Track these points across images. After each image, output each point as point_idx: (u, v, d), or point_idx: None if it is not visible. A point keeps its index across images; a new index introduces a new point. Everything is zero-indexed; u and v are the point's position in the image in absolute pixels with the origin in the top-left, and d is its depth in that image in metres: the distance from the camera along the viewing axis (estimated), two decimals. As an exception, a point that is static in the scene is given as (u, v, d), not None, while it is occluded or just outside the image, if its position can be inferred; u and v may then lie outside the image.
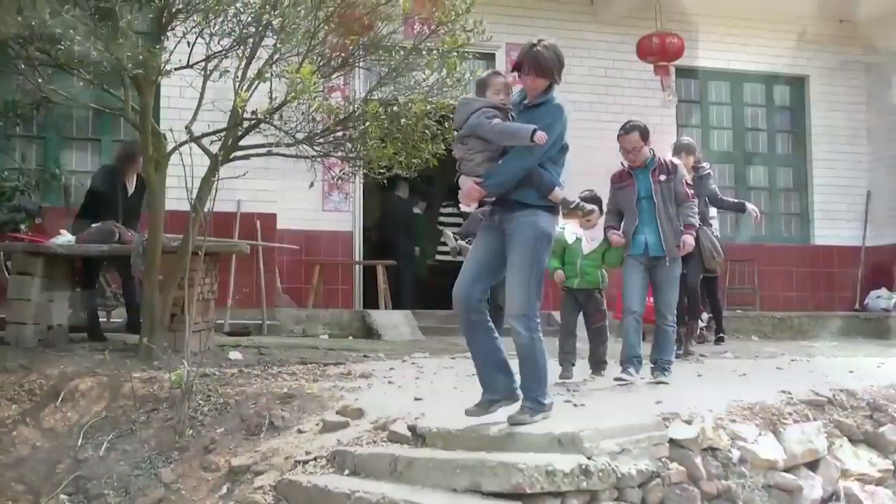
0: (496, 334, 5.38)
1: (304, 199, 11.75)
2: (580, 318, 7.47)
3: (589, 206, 6.09)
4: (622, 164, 7.46)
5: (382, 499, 4.65)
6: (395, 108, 7.94)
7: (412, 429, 5.50)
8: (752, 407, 5.74)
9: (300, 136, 8.01)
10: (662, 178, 7.32)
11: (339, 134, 8.30)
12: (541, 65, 5.34)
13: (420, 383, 7.01)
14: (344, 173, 8.93)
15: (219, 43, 7.70)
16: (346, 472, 5.29)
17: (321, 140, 8.26)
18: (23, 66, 7.82)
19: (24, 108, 9.00)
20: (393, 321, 11.69)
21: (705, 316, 11.18)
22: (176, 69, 7.72)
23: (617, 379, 6.95)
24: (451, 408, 5.57)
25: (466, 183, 5.35)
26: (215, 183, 7.60)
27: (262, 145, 8.11)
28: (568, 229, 7.31)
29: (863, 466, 5.89)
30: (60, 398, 6.74)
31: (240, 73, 7.59)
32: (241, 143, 8.08)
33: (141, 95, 7.77)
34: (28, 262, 8.59)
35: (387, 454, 5.19)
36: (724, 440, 5.34)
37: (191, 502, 5.62)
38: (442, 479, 4.78)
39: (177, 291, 8.00)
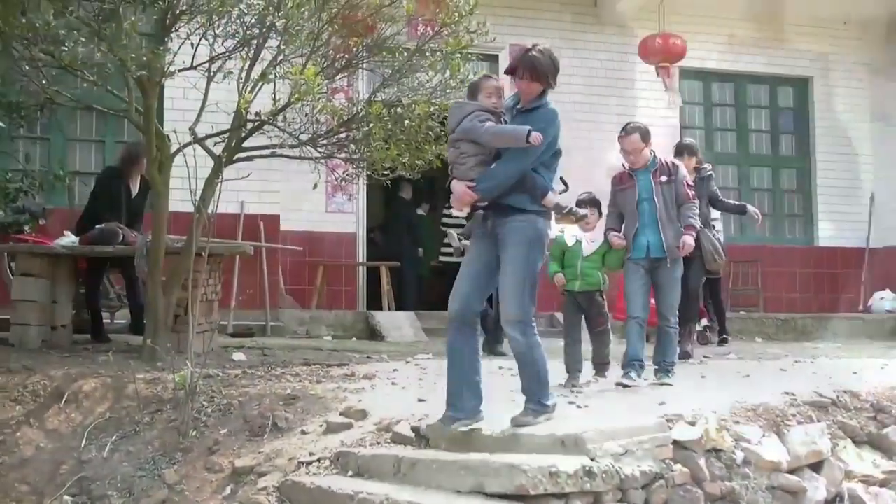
0: (480, 355, 5.38)
1: (308, 200, 11.79)
2: (583, 322, 7.44)
3: (582, 211, 6.04)
4: (623, 165, 7.45)
5: (386, 500, 4.65)
6: (399, 109, 7.95)
7: (416, 430, 5.50)
8: (756, 408, 5.73)
9: (304, 137, 8.02)
10: (663, 179, 7.29)
11: (343, 135, 8.31)
12: (536, 69, 5.33)
13: (423, 384, 7.00)
14: (347, 175, 8.94)
15: (223, 44, 7.71)
16: (350, 473, 5.29)
17: (325, 141, 8.27)
18: (27, 68, 7.82)
19: (28, 109, 9.00)
20: (396, 322, 11.69)
21: (704, 321, 11.19)
22: (180, 71, 7.73)
23: (619, 384, 6.93)
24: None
25: (459, 187, 5.32)
26: (219, 184, 7.59)
27: (266, 146, 8.12)
28: (567, 232, 7.29)
29: (866, 468, 5.88)
30: (64, 399, 6.74)
31: (243, 75, 7.59)
32: (245, 144, 8.09)
33: (145, 97, 7.78)
34: (32, 263, 8.61)
35: (390, 455, 5.20)
36: (728, 441, 5.34)
37: (194, 503, 5.62)
38: (445, 480, 4.79)
39: (180, 292, 8.00)
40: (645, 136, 7.27)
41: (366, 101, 8.29)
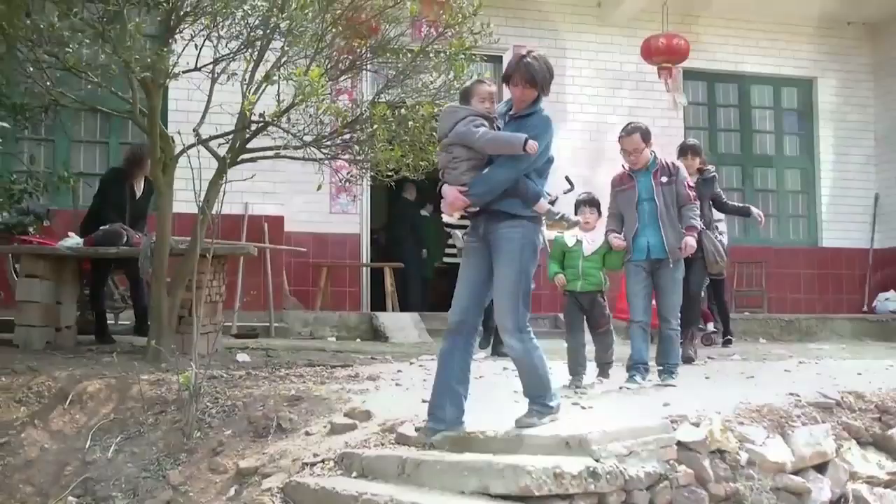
0: (471, 369, 5.36)
1: (312, 201, 11.80)
2: (585, 324, 7.41)
3: (574, 218, 6.00)
4: (623, 166, 7.44)
5: (390, 501, 4.65)
6: (403, 110, 7.95)
7: (420, 431, 5.50)
8: (760, 409, 5.72)
9: (308, 138, 8.02)
10: (664, 179, 7.26)
11: (347, 136, 8.31)
12: (532, 75, 5.29)
13: (427, 385, 6.96)
14: (351, 176, 8.94)
15: (226, 46, 7.72)
16: (354, 474, 5.29)
17: (329, 143, 8.27)
18: (31, 69, 7.84)
19: (32, 110, 8.99)
20: (400, 323, 11.70)
21: (710, 326, 11.18)
22: (184, 72, 7.73)
23: (623, 386, 6.91)
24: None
25: (451, 192, 5.29)
26: (223, 185, 7.61)
27: (270, 148, 8.12)
28: (567, 232, 7.27)
29: (871, 469, 5.87)
30: (69, 400, 6.74)
31: (247, 76, 7.60)
32: (249, 145, 8.10)
33: (149, 98, 7.79)
34: (36, 264, 8.62)
35: (395, 456, 5.19)
36: (732, 442, 5.33)
37: (199, 504, 5.63)
38: (450, 481, 4.78)
39: (185, 294, 8.02)
40: (645, 136, 7.25)
41: (370, 103, 8.31)
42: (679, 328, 7.34)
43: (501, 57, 13.40)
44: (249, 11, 7.50)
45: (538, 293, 10.33)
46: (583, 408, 5.96)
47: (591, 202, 7.28)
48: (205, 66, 7.84)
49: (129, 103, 7.93)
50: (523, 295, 5.21)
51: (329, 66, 8.04)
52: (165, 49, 7.36)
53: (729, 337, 10.97)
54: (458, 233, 8.98)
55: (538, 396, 5.29)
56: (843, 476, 5.70)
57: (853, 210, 15.36)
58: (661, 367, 7.19)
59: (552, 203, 9.56)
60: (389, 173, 8.15)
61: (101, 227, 8.86)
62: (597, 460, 4.71)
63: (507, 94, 5.61)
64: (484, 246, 5.31)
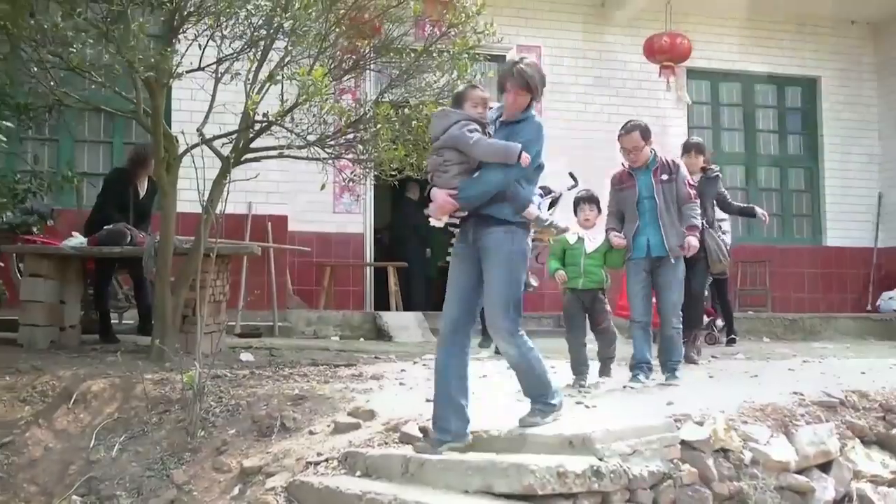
0: (468, 381, 5.32)
1: (316, 201, 11.79)
2: (587, 322, 7.38)
3: (562, 226, 5.96)
4: (623, 164, 7.41)
5: (394, 500, 4.65)
6: (407, 110, 7.96)
7: (424, 430, 5.50)
8: (764, 408, 5.72)
9: (311, 138, 8.02)
10: (664, 177, 7.23)
11: (351, 136, 8.32)
12: (526, 81, 5.24)
13: (431, 385, 6.95)
14: (355, 175, 8.95)
15: (230, 45, 7.73)
16: (358, 473, 5.29)
17: (332, 142, 8.27)
18: (35, 69, 7.85)
19: (36, 110, 9.01)
20: (404, 323, 11.70)
21: (719, 322, 11.16)
22: (187, 72, 7.74)
23: (627, 386, 6.90)
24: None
25: (440, 195, 5.26)
26: (227, 185, 7.62)
27: (274, 147, 8.13)
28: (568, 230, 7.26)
29: (875, 468, 5.87)
30: (73, 400, 6.75)
31: (251, 76, 7.61)
32: (253, 145, 8.10)
33: (152, 98, 7.79)
34: (40, 264, 8.63)
35: (398, 455, 5.19)
36: (736, 441, 5.33)
37: (203, 503, 5.63)
38: (454, 480, 4.78)
39: (188, 293, 8.02)
40: (645, 133, 7.21)
41: (373, 102, 8.31)
42: (681, 327, 7.30)
43: (505, 56, 13.42)
44: (253, 11, 7.51)
45: (541, 292, 10.45)
46: (586, 407, 5.96)
47: (590, 199, 7.26)
48: (208, 65, 7.85)
49: (132, 103, 7.94)
50: (514, 300, 5.17)
51: (332, 66, 8.04)
52: (169, 49, 7.37)
53: (733, 336, 10.96)
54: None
55: (540, 396, 5.28)
56: (847, 475, 5.70)
57: (857, 209, 15.35)
58: (663, 366, 7.18)
59: (556, 200, 9.61)
60: (393, 173, 8.15)
61: (105, 227, 8.87)
62: (600, 459, 4.71)
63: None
64: (473, 251, 5.28)
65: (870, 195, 15.40)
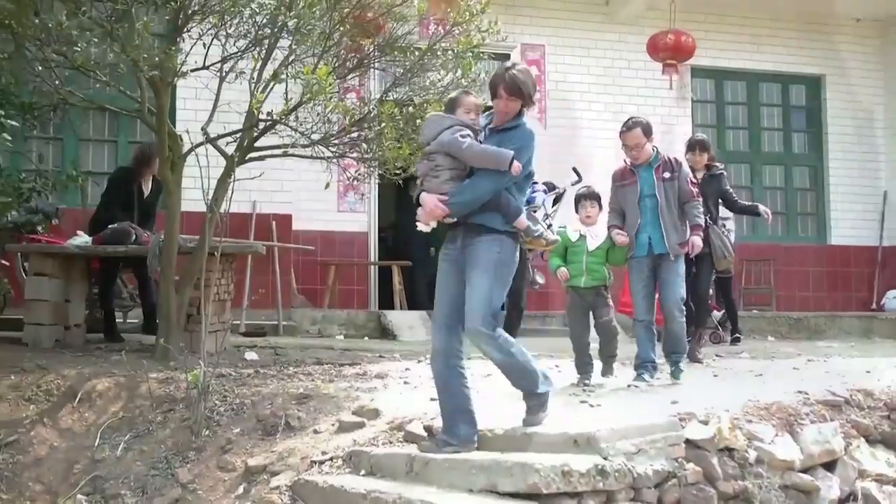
0: (469, 382, 5.28)
1: (320, 199, 11.80)
2: (590, 322, 7.33)
3: (552, 237, 5.91)
4: (625, 161, 7.39)
5: (398, 499, 4.65)
6: (411, 108, 7.95)
7: (428, 429, 5.50)
8: (769, 407, 5.72)
9: (316, 137, 8.01)
10: (666, 175, 7.21)
11: (355, 135, 8.31)
12: (517, 87, 5.22)
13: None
14: (359, 174, 8.94)
15: (234, 44, 7.73)
16: (363, 472, 5.29)
17: (336, 141, 8.27)
18: (40, 68, 7.85)
19: (41, 109, 9.03)
20: (408, 322, 11.70)
21: (717, 314, 11.14)
22: (192, 71, 7.74)
23: (632, 385, 6.89)
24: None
25: (430, 200, 5.23)
26: (231, 184, 7.61)
27: (278, 146, 8.13)
28: (570, 227, 7.24)
29: (880, 467, 5.87)
30: (78, 399, 6.76)
31: (255, 75, 7.60)
32: (257, 144, 8.10)
33: (157, 97, 7.80)
34: (45, 262, 8.64)
35: (403, 454, 5.20)
36: (741, 440, 5.32)
37: (207, 502, 5.63)
38: (458, 479, 4.78)
39: (193, 292, 8.03)
40: (646, 130, 7.19)
41: (377, 101, 8.30)
42: (684, 320, 7.24)
43: (509, 55, 13.42)
44: (257, 10, 7.51)
45: (547, 290, 10.44)
46: (591, 406, 5.96)
47: (591, 196, 7.22)
48: (213, 64, 7.86)
49: (137, 102, 7.95)
50: (495, 309, 5.11)
51: (337, 65, 8.03)
52: (174, 48, 7.37)
53: (737, 335, 10.94)
54: None
55: (530, 387, 5.21)
56: (852, 474, 5.70)
57: (862, 207, 15.33)
58: (666, 357, 7.14)
59: (560, 195, 9.60)
60: (397, 171, 8.14)
61: (109, 226, 8.88)
62: (605, 458, 4.71)
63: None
64: (461, 258, 5.24)
65: (875, 193, 15.37)
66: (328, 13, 7.50)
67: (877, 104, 15.57)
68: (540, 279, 9.35)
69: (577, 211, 7.27)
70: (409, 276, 13.25)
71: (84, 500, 5.89)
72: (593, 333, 7.32)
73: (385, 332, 11.51)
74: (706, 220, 7.88)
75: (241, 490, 5.60)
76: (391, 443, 5.57)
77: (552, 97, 13.99)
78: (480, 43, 7.89)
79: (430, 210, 5.23)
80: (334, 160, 8.51)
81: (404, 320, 11.71)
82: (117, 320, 9.66)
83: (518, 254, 5.37)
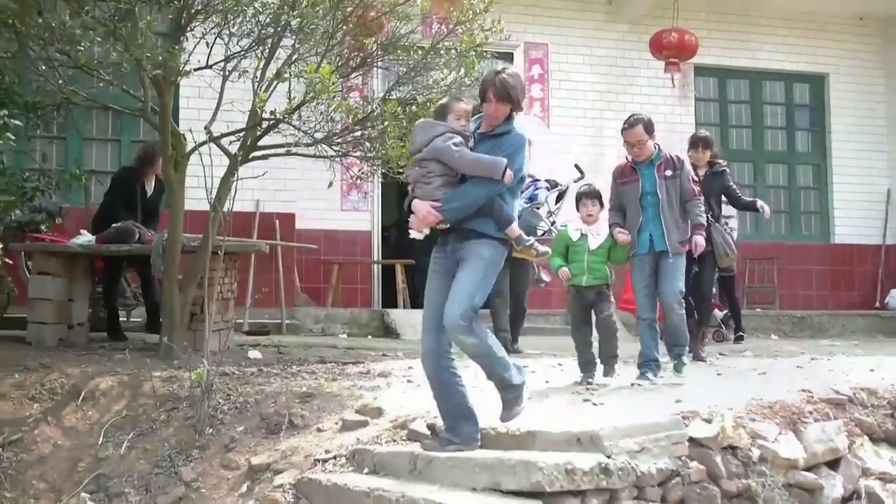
0: (463, 380, 5.27)
1: (323, 198, 11.81)
2: (592, 321, 7.29)
3: (542, 248, 5.81)
4: (626, 158, 7.37)
5: (402, 497, 4.66)
6: (414, 107, 7.95)
7: (431, 427, 5.50)
8: (772, 405, 5.71)
9: (319, 135, 8.02)
10: (668, 173, 7.16)
11: (358, 133, 8.31)
12: (507, 91, 5.20)
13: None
14: (362, 173, 8.95)
15: (238, 43, 7.73)
16: (366, 470, 5.30)
17: (340, 140, 8.28)
18: (43, 68, 7.87)
19: (44, 108, 9.03)
20: (411, 320, 11.67)
21: (719, 313, 11.14)
22: (195, 70, 7.75)
23: (635, 383, 6.88)
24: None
25: (423, 207, 5.21)
26: (234, 183, 7.62)
27: (281, 145, 8.13)
28: (571, 225, 7.21)
29: (884, 465, 5.87)
30: (81, 397, 6.77)
31: (258, 74, 7.61)
32: (260, 143, 8.11)
33: (160, 96, 7.81)
34: (49, 261, 8.65)
35: (406, 452, 5.20)
36: (744, 439, 5.32)
37: (211, 500, 5.64)
38: (461, 477, 4.78)
39: (196, 291, 8.04)
40: (648, 127, 7.14)
41: (381, 100, 8.31)
42: (683, 313, 7.17)
43: (512, 54, 13.46)
44: (260, 9, 7.51)
45: (550, 289, 10.43)
46: (594, 404, 5.95)
47: (592, 194, 7.16)
48: (216, 63, 7.86)
49: (140, 101, 7.96)
50: (475, 307, 5.08)
51: (340, 64, 8.04)
52: (177, 47, 7.37)
53: (741, 333, 10.94)
54: None
55: (505, 379, 5.18)
56: (856, 472, 5.70)
57: (865, 206, 15.30)
58: (668, 351, 7.11)
59: (563, 192, 9.59)
60: (400, 170, 8.14)
61: (113, 225, 8.89)
62: (608, 457, 4.71)
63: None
64: (451, 263, 5.22)
65: (878, 192, 15.36)
66: (331, 12, 7.51)
67: (880, 102, 15.55)
68: (546, 277, 9.35)
69: (578, 209, 7.24)
70: (412, 275, 13.24)
71: (88, 498, 5.89)
72: (595, 333, 7.30)
73: (388, 331, 11.51)
74: (708, 218, 7.86)
75: (244, 488, 5.61)
76: (394, 441, 5.57)
77: (555, 95, 13.99)
78: (483, 42, 7.89)
79: (423, 217, 5.21)
80: (337, 159, 8.52)
81: (407, 319, 11.70)
82: (121, 319, 9.67)
83: (502, 261, 5.33)
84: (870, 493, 5.63)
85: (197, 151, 7.71)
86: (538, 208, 9.55)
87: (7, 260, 9.60)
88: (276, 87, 7.60)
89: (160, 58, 7.16)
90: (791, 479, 5.34)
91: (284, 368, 7.54)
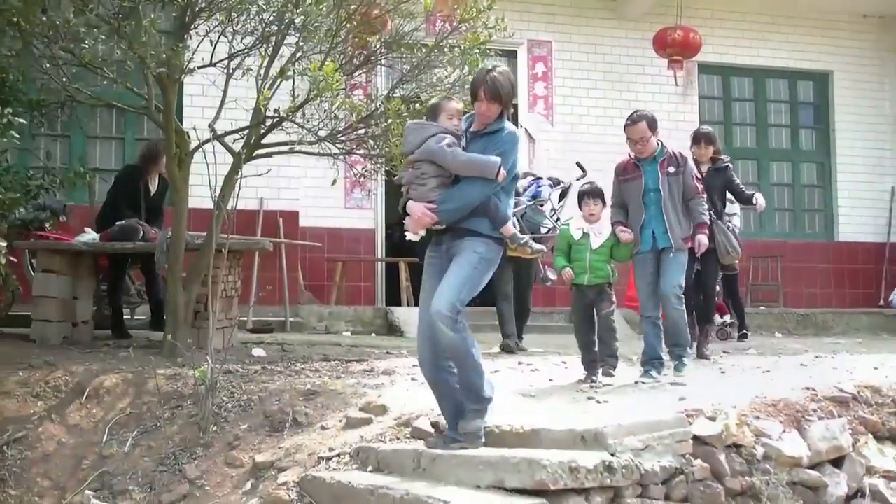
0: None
1: (327, 196, 11.82)
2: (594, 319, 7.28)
3: (538, 246, 5.82)
4: (629, 154, 7.34)
5: (406, 495, 4.65)
6: (418, 105, 7.94)
7: (435, 425, 5.51)
8: (776, 403, 5.71)
9: (322, 133, 8.02)
10: (671, 170, 7.14)
11: (362, 131, 8.32)
12: (497, 90, 5.18)
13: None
14: (366, 171, 8.95)
15: (241, 41, 7.73)
16: (370, 468, 5.30)
17: (343, 138, 8.28)
18: (47, 65, 7.88)
19: (48, 106, 9.05)
20: (415, 318, 11.57)
21: (727, 318, 11.12)
22: (199, 68, 7.75)
23: (639, 381, 6.87)
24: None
25: (418, 208, 5.19)
26: (238, 180, 7.63)
27: (285, 143, 8.14)
28: (573, 224, 7.20)
29: (888, 463, 5.85)
30: (85, 395, 6.78)
31: (262, 72, 7.62)
32: (264, 140, 8.11)
33: (164, 94, 7.81)
34: (53, 259, 8.66)
35: (410, 450, 5.20)
36: (748, 437, 5.32)
37: (215, 498, 5.63)
38: (465, 475, 4.78)
39: (200, 288, 8.04)
40: (651, 124, 7.13)
41: (384, 98, 8.31)
42: (683, 308, 7.16)
43: (516, 52, 13.46)
44: (264, 7, 7.51)
45: (554, 287, 10.42)
46: (598, 402, 5.96)
47: (594, 193, 7.13)
48: (220, 61, 7.86)
49: (144, 99, 7.96)
50: (463, 301, 5.06)
51: (344, 61, 8.04)
52: (181, 45, 7.38)
53: (744, 331, 10.93)
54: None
55: (477, 388, 5.13)
56: (860, 470, 5.69)
57: (869, 204, 15.30)
58: (669, 352, 7.07)
59: (566, 190, 9.58)
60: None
61: (117, 223, 8.90)
62: (612, 454, 4.71)
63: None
64: (445, 262, 5.21)
65: (883, 190, 15.35)
66: (335, 10, 7.51)
67: (884, 100, 15.54)
68: (551, 275, 9.35)
69: (580, 208, 7.22)
70: (416, 273, 13.22)
71: (92, 495, 5.90)
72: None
73: (392, 329, 11.51)
74: (711, 215, 7.84)
75: (248, 486, 5.61)
76: (398, 439, 5.57)
77: (559, 93, 13.99)
78: (487, 39, 7.89)
79: (419, 218, 5.19)
80: (341, 157, 8.52)
81: (411, 317, 11.67)
82: (125, 317, 9.68)
83: (498, 259, 5.30)
84: (874, 491, 5.63)
85: (201, 149, 7.72)
86: (541, 205, 9.56)
87: (11, 258, 9.62)
88: (279, 84, 7.60)
89: (164, 56, 7.17)
90: (795, 477, 5.34)
91: (288, 366, 7.54)
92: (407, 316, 11.67)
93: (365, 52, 8.33)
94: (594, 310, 7.12)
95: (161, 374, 6.88)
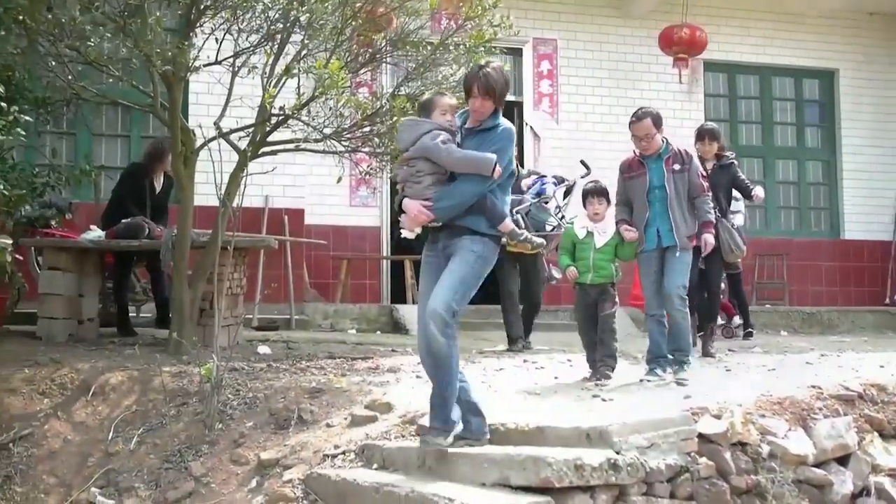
0: (466, 377, 5.23)
1: (332, 194, 11.83)
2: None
3: (538, 240, 5.78)
4: (634, 152, 7.31)
5: (411, 492, 4.66)
6: (423, 103, 7.94)
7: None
8: (782, 401, 5.70)
9: (328, 131, 8.03)
10: (676, 167, 7.07)
11: (367, 129, 8.32)
12: (491, 86, 5.14)
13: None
14: (371, 168, 8.95)
15: (247, 39, 7.74)
16: (375, 465, 5.31)
17: (349, 135, 8.28)
18: (53, 63, 7.89)
19: (54, 104, 9.06)
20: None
21: (736, 318, 11.11)
22: (204, 66, 7.76)
23: (644, 379, 6.86)
24: (478, 402, 5.55)
25: (414, 206, 5.15)
26: (244, 178, 7.63)
27: (290, 141, 8.14)
28: (577, 223, 7.18)
29: (894, 461, 5.84)
30: (91, 392, 6.79)
31: (268, 70, 7.62)
32: (269, 138, 8.12)
33: (170, 92, 7.82)
34: (59, 257, 8.68)
35: (415, 448, 5.20)
36: (754, 435, 5.31)
37: (220, 495, 5.64)
38: (470, 473, 4.79)
39: (206, 286, 8.05)
40: (657, 121, 7.05)
41: (389, 95, 8.30)
42: (686, 310, 7.09)
43: (521, 50, 13.46)
44: (269, 5, 7.52)
45: (559, 285, 10.42)
46: (603, 400, 5.96)
47: (599, 192, 7.10)
48: (225, 59, 7.88)
49: (150, 97, 7.97)
50: (459, 301, 5.02)
51: (349, 59, 8.04)
52: (186, 43, 7.39)
53: (750, 329, 10.90)
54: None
55: (445, 405, 5.03)
56: (866, 469, 5.68)
57: (875, 202, 15.28)
58: (671, 357, 7.06)
59: (570, 188, 9.57)
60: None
61: (123, 221, 8.92)
62: (618, 452, 4.71)
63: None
64: (442, 260, 5.17)
65: (888, 188, 15.32)
66: (340, 8, 7.51)
67: (890, 98, 15.51)
68: (557, 274, 9.34)
69: (584, 207, 7.19)
70: (421, 271, 13.25)
71: (98, 493, 5.91)
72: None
73: (397, 327, 11.51)
74: (715, 213, 7.81)
75: (253, 483, 5.62)
76: (403, 436, 5.57)
77: (564, 91, 13.99)
78: (492, 37, 7.88)
79: (415, 216, 5.16)
80: (346, 154, 8.52)
81: (416, 314, 11.69)
82: (130, 314, 9.69)
83: (494, 257, 5.27)
84: (879, 489, 5.62)
85: (206, 147, 7.72)
86: (546, 203, 9.56)
87: (17, 255, 9.63)
88: (285, 82, 7.60)
89: (169, 54, 7.18)
90: (800, 476, 5.33)
91: (293, 364, 7.55)
92: (412, 314, 11.62)
93: (370, 50, 8.33)
94: (597, 309, 7.11)
95: (166, 371, 6.89)
